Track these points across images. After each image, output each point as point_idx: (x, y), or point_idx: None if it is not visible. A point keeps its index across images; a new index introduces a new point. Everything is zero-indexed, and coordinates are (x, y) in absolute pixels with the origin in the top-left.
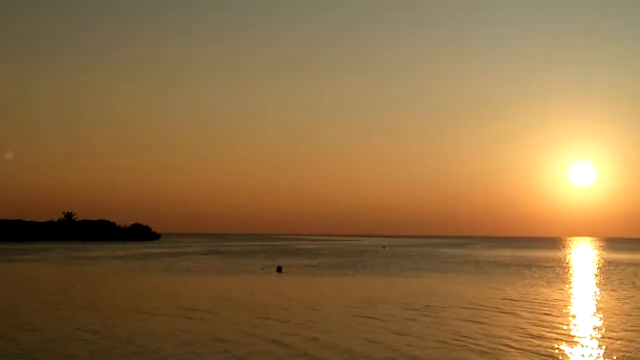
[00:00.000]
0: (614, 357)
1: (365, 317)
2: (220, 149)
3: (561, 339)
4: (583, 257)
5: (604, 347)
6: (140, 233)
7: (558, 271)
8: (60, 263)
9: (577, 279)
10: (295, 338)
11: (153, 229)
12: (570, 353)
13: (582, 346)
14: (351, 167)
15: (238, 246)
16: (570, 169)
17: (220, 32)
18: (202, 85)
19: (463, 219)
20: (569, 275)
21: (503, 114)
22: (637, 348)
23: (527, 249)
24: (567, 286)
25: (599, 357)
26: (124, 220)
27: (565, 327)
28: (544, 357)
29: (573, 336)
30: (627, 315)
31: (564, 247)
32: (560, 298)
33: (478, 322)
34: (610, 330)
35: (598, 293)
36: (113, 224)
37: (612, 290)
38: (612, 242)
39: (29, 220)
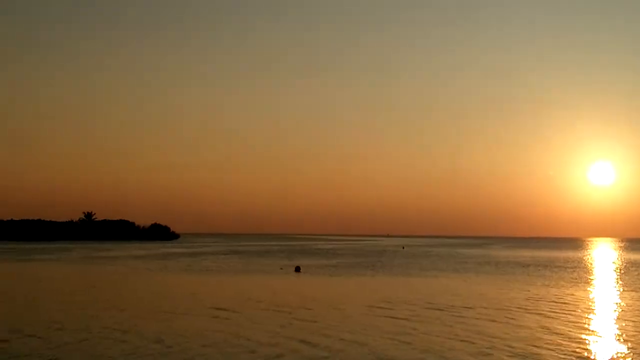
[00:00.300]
0: None
1: (390, 318)
2: (238, 149)
3: (591, 340)
4: (604, 258)
5: (632, 347)
6: (159, 233)
7: (579, 272)
8: (81, 263)
9: (599, 279)
10: (323, 338)
11: (172, 229)
12: (603, 353)
13: (613, 346)
14: (369, 167)
15: (256, 246)
16: (590, 169)
17: (236, 34)
18: (218, 86)
19: (482, 219)
20: (590, 276)
21: (522, 113)
22: None
23: (546, 249)
24: (590, 287)
25: (629, 356)
26: (143, 220)
27: (593, 327)
28: (575, 357)
29: (602, 336)
30: None
31: (584, 247)
32: (584, 299)
33: (503, 322)
34: (638, 331)
35: (621, 294)
36: (132, 223)
37: (632, 291)
38: (633, 243)
39: (48, 220)
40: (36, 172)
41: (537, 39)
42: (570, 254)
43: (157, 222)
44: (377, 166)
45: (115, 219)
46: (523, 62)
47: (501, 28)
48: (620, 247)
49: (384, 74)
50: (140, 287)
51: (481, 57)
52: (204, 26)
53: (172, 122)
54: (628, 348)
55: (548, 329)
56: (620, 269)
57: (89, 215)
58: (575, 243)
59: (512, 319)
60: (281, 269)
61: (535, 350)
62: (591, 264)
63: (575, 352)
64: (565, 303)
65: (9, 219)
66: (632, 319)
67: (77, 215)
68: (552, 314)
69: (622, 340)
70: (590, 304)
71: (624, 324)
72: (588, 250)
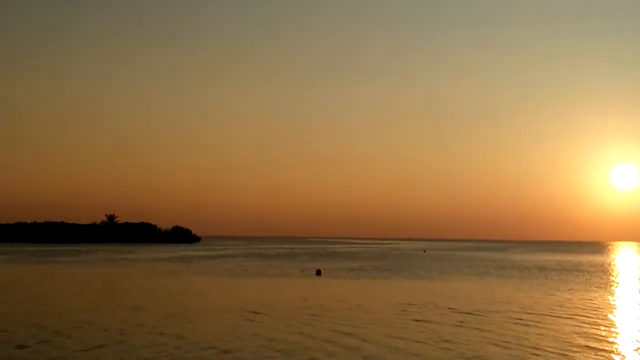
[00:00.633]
0: None
1: (417, 321)
2: (258, 154)
3: (631, 345)
4: (628, 262)
5: None
6: (181, 235)
7: (604, 276)
8: (104, 265)
9: (626, 284)
10: (354, 340)
11: (193, 232)
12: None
13: None
14: (389, 170)
15: (276, 249)
16: (612, 172)
17: (244, 36)
18: (237, 94)
19: (503, 222)
20: (616, 280)
21: (543, 116)
22: None
23: (568, 253)
24: (617, 291)
25: None
26: (164, 223)
27: (628, 332)
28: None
29: (636, 340)
30: None
31: (606, 251)
32: (613, 303)
33: (539, 327)
34: None
35: None
36: (154, 226)
37: None
38: None
39: (71, 222)
40: (59, 175)
41: (558, 40)
42: (593, 258)
43: (179, 225)
44: (397, 169)
45: (137, 221)
46: (543, 63)
47: (520, 29)
48: None
49: (405, 73)
50: (165, 289)
51: (498, 58)
52: (220, 35)
53: (197, 125)
54: None
55: (586, 334)
56: None
57: (111, 217)
58: (597, 247)
59: (546, 324)
60: (302, 271)
61: (578, 356)
62: (616, 268)
63: (620, 354)
64: (595, 309)
65: (33, 221)
66: None
67: (99, 218)
68: (585, 319)
69: None
70: (620, 308)
71: None
72: (611, 254)
